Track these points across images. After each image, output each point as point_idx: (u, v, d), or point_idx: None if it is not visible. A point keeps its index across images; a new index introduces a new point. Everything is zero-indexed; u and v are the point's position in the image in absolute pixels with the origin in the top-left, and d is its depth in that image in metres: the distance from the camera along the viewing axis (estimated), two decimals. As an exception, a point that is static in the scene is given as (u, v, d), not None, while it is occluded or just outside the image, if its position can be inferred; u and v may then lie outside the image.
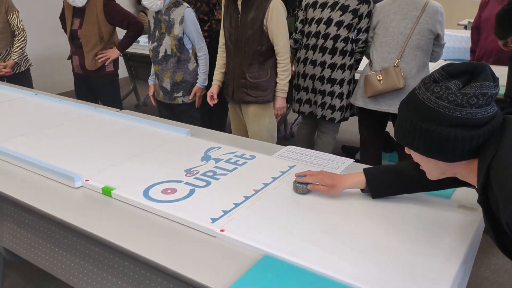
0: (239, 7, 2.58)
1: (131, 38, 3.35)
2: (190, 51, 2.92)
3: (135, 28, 3.30)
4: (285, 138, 4.28)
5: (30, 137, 2.05)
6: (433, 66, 2.68)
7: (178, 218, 1.39)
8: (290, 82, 3.18)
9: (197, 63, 2.96)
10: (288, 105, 4.18)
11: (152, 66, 3.04)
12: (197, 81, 2.96)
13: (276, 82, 2.69)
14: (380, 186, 1.45)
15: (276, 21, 2.54)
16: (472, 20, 3.98)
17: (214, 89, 2.89)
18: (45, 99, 2.65)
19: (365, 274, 1.13)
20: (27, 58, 3.52)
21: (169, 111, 3.09)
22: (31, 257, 1.79)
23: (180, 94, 2.97)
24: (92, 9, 3.16)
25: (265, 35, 2.58)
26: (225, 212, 1.42)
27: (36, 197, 1.56)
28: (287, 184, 1.61)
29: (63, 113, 2.40)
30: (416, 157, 1.14)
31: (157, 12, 2.86)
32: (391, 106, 2.66)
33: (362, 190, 1.50)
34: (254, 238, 1.27)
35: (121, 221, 1.41)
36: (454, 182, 1.27)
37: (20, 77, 3.44)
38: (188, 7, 2.85)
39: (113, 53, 3.32)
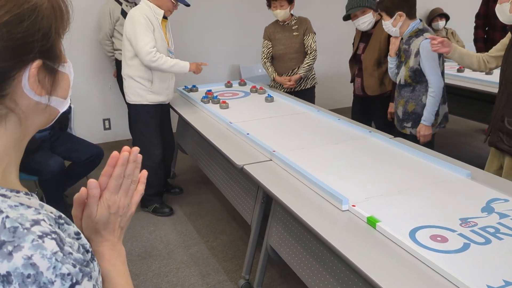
0: None
1: None
2: None
3: None
4: None
5: (308, 151, 2.21)
6: None
7: (446, 274, 1.22)
8: None
9: None
10: None
11: None
12: (422, 118, 2.64)
13: None
14: None
15: None
16: None
17: None
18: (325, 116, 2.83)
19: None
20: (314, 76, 3.84)
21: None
22: (290, 261, 1.92)
23: (409, 124, 2.75)
24: (377, 35, 3.21)
25: None
26: (507, 284, 1.17)
27: (303, 209, 1.65)
28: None
29: (339, 132, 2.50)
30: None
31: (400, 39, 2.73)
32: None
33: None
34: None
35: (382, 257, 1.34)
36: None
37: (306, 93, 3.78)
38: (427, 38, 2.53)
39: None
